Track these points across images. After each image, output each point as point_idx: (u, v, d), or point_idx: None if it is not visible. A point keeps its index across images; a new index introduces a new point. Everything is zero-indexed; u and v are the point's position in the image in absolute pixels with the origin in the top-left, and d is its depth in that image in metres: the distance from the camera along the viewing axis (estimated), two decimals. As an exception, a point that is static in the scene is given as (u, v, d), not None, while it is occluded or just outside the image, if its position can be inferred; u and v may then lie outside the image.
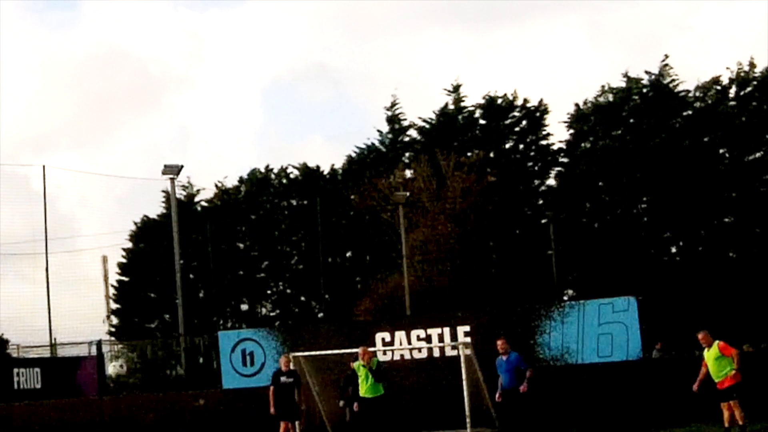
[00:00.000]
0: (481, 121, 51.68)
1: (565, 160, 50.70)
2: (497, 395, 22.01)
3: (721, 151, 48.15)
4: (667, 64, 49.86)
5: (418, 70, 78.59)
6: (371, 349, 22.65)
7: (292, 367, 23.31)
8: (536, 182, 50.99)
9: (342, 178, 51.76)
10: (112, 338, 47.05)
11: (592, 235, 47.72)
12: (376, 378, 21.47)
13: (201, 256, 49.10)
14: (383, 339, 24.98)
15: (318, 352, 24.29)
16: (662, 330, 36.07)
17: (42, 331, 36.91)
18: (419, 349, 24.79)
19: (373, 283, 45.82)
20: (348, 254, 51.31)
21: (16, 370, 30.28)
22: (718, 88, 49.03)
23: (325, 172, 52.62)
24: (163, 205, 50.43)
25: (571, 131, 50.51)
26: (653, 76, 49.70)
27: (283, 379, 22.94)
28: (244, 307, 51.71)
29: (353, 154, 52.75)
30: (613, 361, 23.20)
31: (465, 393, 22.18)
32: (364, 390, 21.63)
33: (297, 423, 23.09)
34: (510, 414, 21.85)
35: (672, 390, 22.53)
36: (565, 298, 46.23)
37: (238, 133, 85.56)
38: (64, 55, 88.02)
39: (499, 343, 22.09)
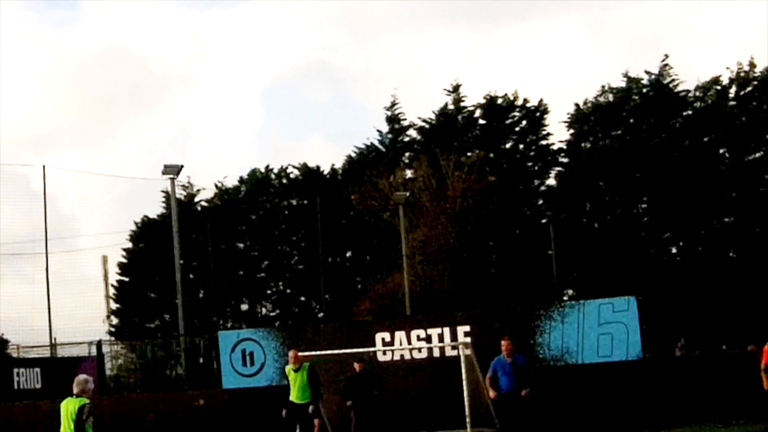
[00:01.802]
0: (481, 121, 51.68)
1: (565, 160, 50.72)
2: (492, 393, 20.08)
3: (721, 151, 48.16)
4: (667, 64, 49.91)
5: (418, 69, 78.60)
6: (305, 353, 22.43)
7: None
8: (536, 182, 50.99)
9: (342, 178, 51.77)
10: (112, 338, 47.05)
11: (592, 235, 47.73)
12: (305, 384, 21.26)
13: (201, 256, 49.11)
14: (383, 339, 24.98)
15: (318, 352, 24.27)
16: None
17: (42, 331, 36.92)
18: (419, 349, 24.79)
19: (373, 283, 45.84)
20: (348, 254, 51.33)
21: (16, 370, 30.26)
22: (718, 88, 49.04)
23: (325, 172, 52.65)
24: (163, 205, 50.47)
25: (571, 131, 50.52)
26: (653, 76, 49.72)
27: None
28: (244, 307, 51.73)
29: (353, 154, 52.82)
30: (613, 361, 23.20)
31: (465, 393, 22.15)
32: (293, 395, 21.40)
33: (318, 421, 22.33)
34: (511, 418, 20.23)
35: (672, 390, 22.54)
36: (565, 298, 46.22)
37: (238, 133, 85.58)
38: (65, 54, 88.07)
39: (503, 343, 19.93)
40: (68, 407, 14.14)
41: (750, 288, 41.99)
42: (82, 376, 14.46)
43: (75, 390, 14.10)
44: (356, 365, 23.53)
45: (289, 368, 21.53)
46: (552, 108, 51.43)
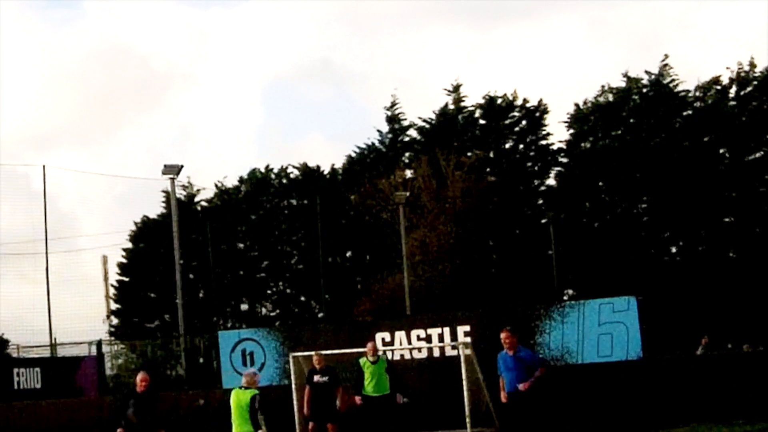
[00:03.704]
0: (481, 121, 51.72)
1: (565, 160, 50.75)
2: (503, 396, 18.07)
3: (721, 151, 48.19)
4: (667, 64, 49.98)
5: (419, 69, 78.63)
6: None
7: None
8: (536, 182, 51.03)
9: (342, 178, 51.81)
10: (112, 338, 47.05)
11: (592, 235, 47.74)
12: (383, 376, 21.24)
13: (201, 256, 49.12)
14: (383, 339, 24.92)
15: (317, 352, 24.23)
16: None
17: (42, 331, 36.88)
18: (419, 349, 24.76)
19: (373, 283, 45.84)
20: (348, 254, 51.36)
21: (16, 370, 30.22)
22: (718, 88, 49.08)
23: (325, 172, 52.67)
24: (163, 205, 50.48)
25: (571, 131, 50.56)
26: (653, 76, 49.75)
27: (316, 378, 21.83)
28: (244, 307, 51.76)
29: (353, 154, 52.85)
30: (613, 361, 23.18)
31: (465, 393, 22.13)
32: (370, 387, 21.36)
33: (331, 426, 21.71)
34: (516, 418, 18.23)
35: (672, 390, 22.52)
36: (565, 298, 46.24)
37: (238, 132, 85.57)
38: (66, 53, 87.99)
39: (502, 336, 17.96)
40: (239, 398, 15.35)
41: (749, 288, 41.97)
42: (251, 369, 16.23)
43: (243, 381, 15.49)
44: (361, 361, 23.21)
45: (364, 361, 21.42)
46: (552, 108, 51.58)
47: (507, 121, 51.36)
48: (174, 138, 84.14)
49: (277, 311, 51.91)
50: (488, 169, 47.79)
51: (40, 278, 37.72)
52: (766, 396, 21.28)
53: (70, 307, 38.57)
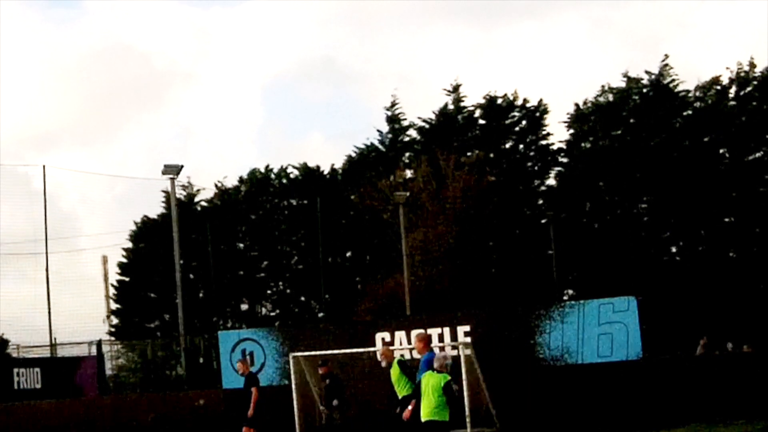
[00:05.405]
0: (481, 121, 51.72)
1: (565, 160, 50.74)
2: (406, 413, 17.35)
3: (721, 151, 48.20)
4: (667, 64, 49.98)
5: (419, 68, 78.71)
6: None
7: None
8: (536, 182, 51.03)
9: (342, 178, 51.80)
10: (112, 338, 47.05)
11: (592, 235, 47.74)
12: (395, 380, 21.08)
13: (201, 256, 49.11)
14: (383, 339, 24.93)
15: (318, 352, 24.23)
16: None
17: (42, 331, 36.91)
18: (419, 349, 24.74)
19: (373, 283, 45.83)
20: (348, 254, 51.34)
21: (16, 370, 30.26)
22: (718, 88, 49.08)
23: (325, 172, 52.66)
24: (163, 205, 50.47)
25: (571, 131, 50.56)
26: (653, 76, 49.76)
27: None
28: (244, 307, 51.74)
29: (353, 154, 52.83)
30: (613, 361, 23.18)
31: (465, 393, 22.13)
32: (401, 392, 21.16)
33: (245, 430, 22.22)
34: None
35: (672, 390, 22.52)
36: (565, 298, 46.24)
37: (238, 132, 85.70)
38: (67, 52, 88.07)
39: (414, 340, 18.66)
40: (430, 381, 15.19)
41: (749, 288, 41.99)
42: (442, 353, 16.04)
43: (435, 365, 15.32)
44: (320, 369, 22.91)
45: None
46: (552, 108, 51.58)
47: (507, 121, 51.35)
48: (174, 138, 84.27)
49: (277, 311, 51.90)
50: (488, 169, 47.77)
51: (40, 278, 37.76)
52: (766, 396, 21.28)
53: (70, 307, 38.60)
